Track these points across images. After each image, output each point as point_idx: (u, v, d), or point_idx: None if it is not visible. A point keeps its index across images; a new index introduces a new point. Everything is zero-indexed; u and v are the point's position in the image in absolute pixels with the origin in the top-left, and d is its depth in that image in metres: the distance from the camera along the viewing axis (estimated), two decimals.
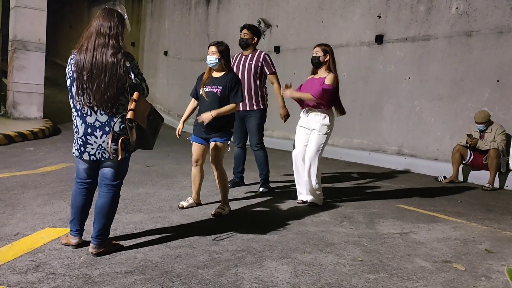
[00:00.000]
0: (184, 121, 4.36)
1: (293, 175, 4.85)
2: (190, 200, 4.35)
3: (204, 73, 4.19)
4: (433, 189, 6.09)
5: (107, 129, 2.82)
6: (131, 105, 2.77)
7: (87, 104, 2.80)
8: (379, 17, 8.39)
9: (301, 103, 4.76)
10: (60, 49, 23.08)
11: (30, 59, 11.75)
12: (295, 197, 4.82)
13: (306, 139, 4.70)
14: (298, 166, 4.76)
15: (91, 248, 2.90)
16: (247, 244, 3.29)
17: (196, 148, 4.19)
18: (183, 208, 4.25)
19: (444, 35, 7.43)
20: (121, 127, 2.82)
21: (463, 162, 6.76)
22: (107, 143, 2.81)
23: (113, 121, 2.81)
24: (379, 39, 8.33)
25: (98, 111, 2.81)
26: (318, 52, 4.63)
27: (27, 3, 11.66)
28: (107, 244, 2.96)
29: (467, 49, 7.13)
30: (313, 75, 4.77)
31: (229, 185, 4.50)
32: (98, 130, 2.82)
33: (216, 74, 4.10)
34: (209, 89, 4.05)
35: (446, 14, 7.41)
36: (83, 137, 2.84)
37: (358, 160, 8.44)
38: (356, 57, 8.84)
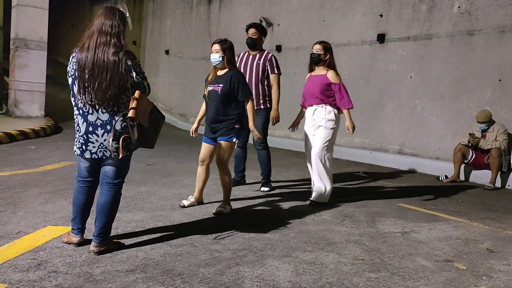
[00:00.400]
0: (200, 120, 4.35)
1: (294, 174, 4.84)
2: (192, 199, 4.35)
3: (210, 73, 4.20)
4: (434, 189, 6.08)
5: (108, 127, 2.82)
6: (133, 104, 2.77)
7: (89, 102, 2.80)
8: (381, 16, 8.38)
9: (304, 103, 4.80)
10: (61, 47, 23.10)
11: (31, 58, 11.76)
12: (309, 196, 4.81)
13: (314, 138, 4.68)
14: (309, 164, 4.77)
15: (92, 247, 2.90)
16: (248, 243, 3.29)
17: (204, 148, 4.20)
18: (184, 207, 4.25)
19: (446, 34, 7.41)
20: (122, 126, 2.83)
21: (465, 161, 6.75)
22: (109, 142, 2.81)
23: (115, 120, 2.81)
24: (381, 38, 8.32)
25: (100, 110, 2.81)
26: (319, 50, 4.63)
27: (29, 2, 11.66)
28: (109, 243, 2.96)
29: (469, 48, 7.12)
30: (310, 73, 4.78)
31: None
32: (99, 129, 2.82)
33: (220, 72, 4.11)
34: (211, 88, 4.07)
35: (448, 13, 7.39)
36: (84, 136, 2.85)
37: (359, 159, 8.44)
38: (357, 56, 8.83)
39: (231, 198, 4.30)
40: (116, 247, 3.00)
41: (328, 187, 4.60)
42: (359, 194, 5.34)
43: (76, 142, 2.92)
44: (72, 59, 2.86)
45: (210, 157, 4.21)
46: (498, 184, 6.41)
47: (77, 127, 2.89)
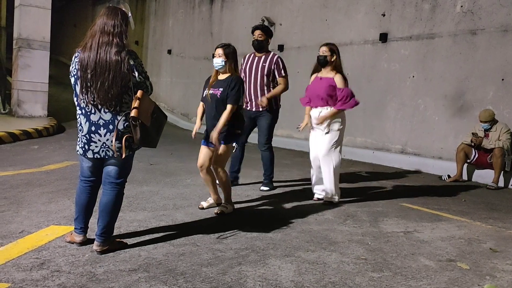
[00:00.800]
0: (200, 120, 4.28)
1: (296, 174, 4.85)
2: (211, 201, 4.30)
3: (211, 76, 4.19)
4: (437, 188, 6.08)
5: (111, 127, 2.82)
6: (135, 103, 2.77)
7: (91, 102, 2.80)
8: (384, 15, 8.36)
9: (307, 103, 4.81)
10: (64, 47, 23.14)
11: (34, 58, 11.79)
12: (311, 196, 4.87)
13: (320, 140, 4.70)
14: (315, 166, 4.78)
15: (95, 246, 2.91)
16: (250, 243, 3.29)
17: (203, 152, 4.10)
18: (203, 208, 4.20)
19: (448, 33, 7.40)
20: (125, 125, 2.83)
21: (468, 161, 6.74)
22: (111, 141, 2.81)
23: (117, 119, 2.81)
24: (383, 37, 8.31)
25: (102, 109, 2.81)
26: (325, 51, 4.63)
27: (31, 2, 11.69)
28: (111, 242, 2.97)
29: (471, 47, 7.10)
30: (316, 74, 4.76)
31: None
32: (102, 128, 2.82)
33: (221, 77, 4.08)
34: (212, 91, 4.05)
35: (451, 12, 7.37)
36: (87, 135, 2.85)
37: (362, 158, 8.43)
38: (360, 55, 8.82)
39: (232, 198, 4.29)
40: (119, 247, 3.01)
41: (337, 187, 4.65)
42: (362, 193, 5.33)
43: (78, 141, 2.93)
44: (74, 59, 2.87)
45: (209, 161, 4.13)
46: (501, 183, 6.39)
47: (80, 126, 2.89)
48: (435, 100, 7.58)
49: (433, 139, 7.61)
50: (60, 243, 3.06)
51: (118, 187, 2.97)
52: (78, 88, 2.83)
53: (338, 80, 4.57)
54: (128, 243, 3.09)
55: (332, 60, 4.63)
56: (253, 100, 5.20)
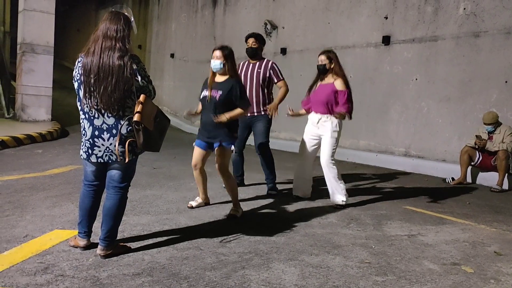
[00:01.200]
0: (196, 111, 4.35)
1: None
2: (199, 200, 4.41)
3: (208, 77, 4.19)
4: (441, 191, 6.06)
5: (114, 131, 2.83)
6: (138, 108, 2.77)
7: (95, 107, 2.81)
8: (386, 18, 8.37)
9: (309, 108, 4.92)
10: (68, 52, 23.25)
11: (38, 62, 11.83)
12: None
13: (313, 143, 4.85)
14: (301, 163, 4.96)
15: (99, 250, 2.91)
16: (254, 246, 3.29)
17: (197, 152, 4.17)
18: (192, 207, 4.31)
19: (451, 36, 7.39)
20: (128, 130, 2.84)
21: (472, 163, 6.72)
22: (115, 146, 2.82)
23: (120, 124, 2.82)
24: (386, 40, 8.31)
25: (105, 114, 2.82)
26: (324, 60, 4.77)
27: (35, 7, 11.75)
28: (115, 246, 2.97)
29: (475, 50, 7.09)
30: (320, 82, 4.88)
31: None
32: (105, 133, 2.83)
33: (219, 79, 4.08)
34: (211, 93, 4.06)
35: (454, 14, 7.37)
36: (90, 140, 2.86)
37: (365, 161, 8.42)
38: (362, 58, 8.82)
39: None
40: (123, 251, 3.01)
41: (342, 187, 4.71)
42: (365, 196, 5.32)
43: (82, 146, 2.94)
44: (78, 64, 2.88)
45: (202, 161, 4.19)
46: (505, 186, 6.37)
47: (83, 131, 2.90)
48: (438, 102, 7.57)
49: (437, 142, 7.59)
50: (64, 247, 3.07)
51: (121, 191, 2.97)
52: (81, 93, 2.84)
53: (338, 83, 4.67)
54: (132, 247, 3.09)
55: (332, 67, 4.75)
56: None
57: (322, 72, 4.80)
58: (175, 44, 15.60)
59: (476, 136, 6.55)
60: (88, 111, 2.85)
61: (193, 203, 4.36)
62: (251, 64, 5.33)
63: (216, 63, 4.00)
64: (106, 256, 2.90)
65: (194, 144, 4.21)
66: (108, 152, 2.85)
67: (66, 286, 2.46)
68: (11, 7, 17.15)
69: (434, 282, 2.79)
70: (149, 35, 17.52)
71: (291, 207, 4.61)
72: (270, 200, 4.88)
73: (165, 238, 3.37)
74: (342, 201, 4.69)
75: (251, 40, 5.29)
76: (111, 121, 2.83)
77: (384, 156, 8.28)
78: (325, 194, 4.83)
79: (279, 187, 5.40)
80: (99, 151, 2.85)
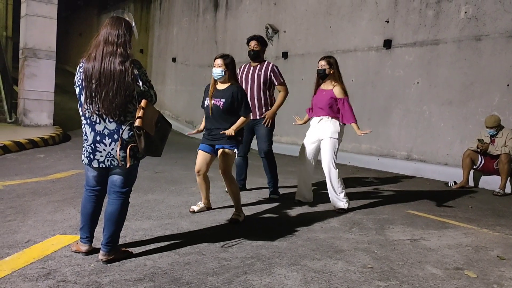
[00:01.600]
0: (202, 130, 4.38)
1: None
2: (201, 205, 4.42)
3: (210, 84, 4.23)
4: (443, 195, 6.04)
5: (115, 136, 2.83)
6: (139, 113, 2.77)
7: (96, 112, 2.81)
8: (387, 22, 8.38)
9: (310, 112, 4.95)
10: (70, 56, 23.32)
11: (40, 67, 11.88)
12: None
13: (314, 146, 4.86)
14: (302, 168, 4.95)
15: (101, 255, 2.90)
16: (256, 251, 3.28)
17: (200, 157, 4.19)
18: (194, 212, 4.31)
19: (453, 39, 7.39)
20: (129, 135, 2.84)
21: (474, 167, 6.70)
22: (116, 151, 2.82)
23: (122, 129, 2.82)
24: (388, 43, 8.31)
25: (107, 119, 2.82)
26: (324, 65, 4.81)
27: (37, 12, 11.80)
28: (117, 251, 2.97)
29: (476, 53, 7.09)
30: (319, 87, 4.92)
31: None
32: (107, 138, 2.83)
33: (220, 86, 4.16)
34: (214, 102, 4.11)
35: (455, 18, 7.37)
36: (92, 145, 2.86)
37: (367, 165, 8.41)
38: (364, 62, 8.83)
39: None
40: (124, 256, 3.00)
41: (343, 192, 4.72)
42: (367, 200, 5.31)
43: (84, 151, 2.94)
44: (79, 69, 2.88)
45: (206, 166, 4.21)
46: (508, 189, 6.35)
47: (85, 136, 2.90)
48: (440, 106, 7.56)
49: (439, 146, 7.58)
50: (66, 252, 3.06)
51: (123, 196, 2.97)
52: (83, 98, 2.85)
53: (336, 91, 4.74)
54: (134, 252, 3.09)
55: (331, 72, 4.79)
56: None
57: (322, 77, 4.84)
58: (177, 48, 15.63)
59: (478, 139, 6.54)
60: (89, 116, 2.85)
61: (195, 208, 4.37)
62: (252, 67, 5.33)
63: (218, 71, 4.07)
64: (108, 262, 2.89)
65: (198, 149, 4.22)
66: (109, 157, 2.85)
67: None
68: (13, 12, 17.23)
69: (437, 287, 2.78)
70: (151, 40, 17.57)
71: (293, 212, 4.60)
72: (272, 205, 4.87)
73: (167, 243, 3.36)
74: (344, 205, 4.68)
75: (252, 43, 5.29)
76: (112, 126, 2.83)
77: (386, 159, 8.27)
78: (327, 198, 4.82)
79: (281, 191, 5.39)
80: (101, 156, 2.86)
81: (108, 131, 2.83)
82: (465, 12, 7.25)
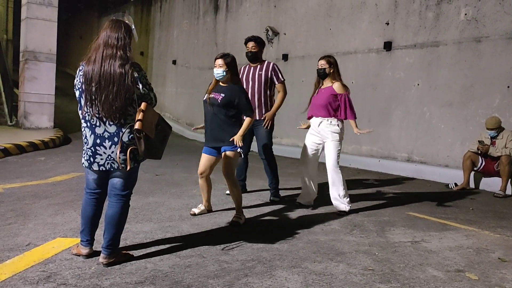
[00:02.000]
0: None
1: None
2: (202, 207, 4.41)
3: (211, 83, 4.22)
4: (444, 197, 6.03)
5: (116, 139, 2.83)
6: (139, 116, 2.77)
7: (96, 115, 2.81)
8: (387, 24, 8.38)
9: (310, 112, 4.91)
10: (70, 59, 23.35)
11: (41, 70, 11.89)
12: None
13: (315, 148, 4.85)
14: (304, 170, 4.93)
15: (101, 258, 2.90)
16: (257, 254, 3.27)
17: (204, 159, 4.19)
18: (194, 215, 4.30)
19: (453, 41, 7.39)
20: (129, 137, 2.84)
21: (475, 169, 6.70)
22: (116, 154, 2.82)
23: (122, 132, 2.82)
24: (388, 45, 8.31)
25: (107, 122, 2.82)
26: (324, 64, 4.81)
27: (37, 15, 11.82)
28: (118, 254, 2.96)
29: (476, 55, 7.09)
30: (320, 87, 4.91)
31: None
32: (107, 141, 2.83)
33: (222, 84, 4.14)
34: (212, 95, 4.09)
35: (455, 20, 7.38)
36: (92, 148, 2.86)
37: (367, 167, 8.40)
38: (364, 64, 8.83)
39: None
40: (125, 259, 3.00)
41: (346, 194, 4.71)
42: (368, 202, 5.30)
43: (84, 154, 2.94)
44: (79, 72, 2.88)
45: (210, 168, 4.22)
46: (508, 191, 6.33)
47: (85, 139, 2.90)
48: (441, 108, 7.56)
49: (439, 147, 7.58)
50: (67, 255, 3.06)
51: (123, 199, 2.97)
52: (82, 101, 2.85)
53: (336, 86, 4.74)
54: (134, 255, 3.09)
55: (331, 71, 4.80)
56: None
57: (322, 76, 4.84)
58: (177, 50, 15.65)
59: (479, 141, 6.54)
60: (89, 119, 2.85)
61: (196, 210, 4.36)
62: (252, 68, 5.32)
63: (219, 71, 4.04)
64: (108, 264, 2.89)
65: (202, 152, 4.22)
66: (110, 160, 2.85)
67: None
68: (13, 15, 17.27)
69: None
70: (151, 42, 17.59)
71: (294, 214, 4.60)
72: (273, 207, 4.86)
73: (167, 245, 3.36)
74: (345, 207, 4.68)
75: (250, 44, 5.27)
76: (112, 129, 2.83)
77: (387, 161, 8.26)
78: (328, 200, 4.82)
79: (282, 193, 5.39)
80: (101, 159, 2.85)
81: (108, 134, 2.83)
82: (465, 14, 7.25)
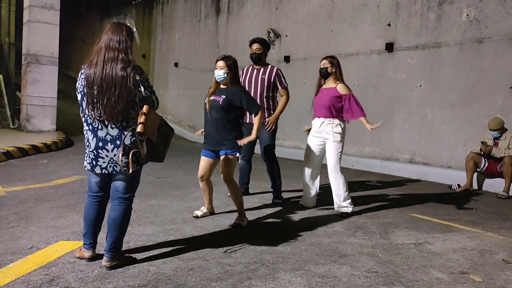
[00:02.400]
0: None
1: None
2: (204, 209, 4.41)
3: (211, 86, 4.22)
4: (447, 198, 6.01)
5: (118, 142, 2.83)
6: (141, 119, 2.76)
7: (98, 118, 2.81)
8: (389, 25, 8.38)
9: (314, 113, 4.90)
10: (72, 62, 23.40)
11: (43, 73, 11.92)
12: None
13: (318, 149, 4.82)
14: (307, 173, 4.91)
15: (104, 261, 2.90)
16: (260, 256, 3.26)
17: (204, 163, 4.18)
18: (197, 217, 4.29)
19: (455, 42, 7.38)
20: (131, 140, 2.83)
21: (478, 170, 6.68)
22: (118, 157, 2.81)
23: (124, 135, 2.82)
24: (389, 47, 8.31)
25: (109, 125, 2.82)
26: (326, 64, 4.80)
27: (39, 18, 11.85)
28: (120, 257, 2.96)
29: (478, 56, 7.08)
30: (321, 86, 4.89)
31: None
32: (109, 144, 2.83)
33: (223, 86, 4.13)
34: (213, 98, 4.08)
35: (457, 21, 7.37)
36: (94, 151, 2.86)
37: (370, 168, 8.39)
38: (366, 65, 8.82)
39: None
40: (128, 262, 2.99)
41: (347, 195, 4.70)
42: (371, 204, 5.29)
43: (86, 157, 2.93)
44: (80, 76, 2.88)
45: (209, 171, 4.21)
46: None
47: (87, 142, 2.90)
48: (443, 109, 7.55)
49: (442, 148, 7.56)
50: (70, 258, 3.06)
51: (126, 202, 2.96)
52: (84, 104, 2.85)
53: (340, 87, 4.73)
54: (137, 258, 3.08)
55: (334, 71, 4.78)
56: None
57: (324, 76, 4.82)
58: (179, 53, 15.67)
59: (482, 142, 6.52)
60: (91, 122, 2.85)
61: (198, 213, 4.35)
62: (255, 70, 5.30)
63: (220, 73, 4.03)
64: (111, 268, 2.88)
65: (201, 155, 4.22)
66: (112, 163, 2.84)
67: None
68: (16, 18, 17.31)
69: None
70: (153, 45, 17.61)
71: (296, 216, 4.58)
72: (275, 209, 4.85)
73: (170, 248, 3.35)
74: (347, 209, 4.67)
75: (255, 46, 5.24)
76: (114, 132, 2.83)
77: (389, 163, 8.25)
78: (330, 202, 4.81)
79: (284, 195, 5.38)
80: (103, 162, 2.85)
81: (110, 137, 2.83)
82: (467, 15, 7.24)
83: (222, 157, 4.03)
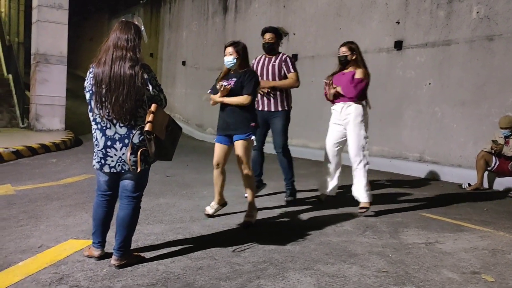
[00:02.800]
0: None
1: (313, 183, 4.81)
2: (215, 206, 4.30)
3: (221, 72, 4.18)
4: (457, 197, 5.95)
5: (126, 141, 2.82)
6: (149, 117, 2.76)
7: (106, 117, 2.81)
8: (398, 23, 8.31)
9: (333, 98, 4.77)
10: (81, 61, 23.49)
11: (52, 72, 11.98)
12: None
13: (338, 136, 4.71)
14: (326, 161, 4.85)
15: (113, 260, 2.90)
16: (268, 255, 3.25)
17: (218, 149, 4.11)
18: (209, 215, 4.23)
19: (465, 39, 7.30)
20: (140, 139, 2.83)
21: (488, 168, 6.61)
22: (127, 155, 2.81)
23: (132, 133, 2.81)
24: (398, 45, 8.24)
25: (117, 124, 2.82)
26: (345, 51, 4.67)
27: (48, 17, 11.91)
28: (129, 256, 2.96)
29: (489, 53, 7.00)
30: (340, 71, 4.76)
31: None
32: (117, 143, 2.83)
33: (233, 73, 4.09)
34: (222, 82, 4.04)
35: (467, 18, 7.29)
36: (103, 150, 2.86)
37: (379, 167, 8.32)
38: (375, 63, 8.73)
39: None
40: (137, 261, 2.99)
41: (367, 187, 4.61)
42: (380, 203, 5.24)
43: (95, 156, 2.93)
44: (89, 74, 2.88)
45: (224, 158, 4.13)
46: None
47: (96, 141, 2.90)
48: (453, 107, 7.47)
49: (452, 147, 7.49)
50: (79, 257, 3.06)
51: (134, 200, 2.96)
52: (93, 103, 2.85)
53: (359, 72, 4.59)
54: (146, 257, 3.08)
55: (353, 58, 4.65)
56: (265, 100, 5.17)
57: (344, 63, 4.68)
58: (187, 52, 15.68)
59: (492, 140, 6.45)
60: (100, 121, 2.85)
61: (210, 210, 4.26)
62: (267, 59, 5.25)
63: (229, 59, 3.98)
64: (120, 266, 2.88)
65: (214, 140, 4.17)
66: (120, 162, 2.84)
67: None
68: (24, 18, 17.42)
69: None
70: (160, 43, 17.65)
71: (305, 215, 4.56)
72: (284, 208, 4.83)
73: (179, 247, 3.35)
74: (365, 199, 4.55)
75: (268, 35, 5.19)
76: (123, 131, 2.82)
77: (398, 161, 8.18)
78: (340, 201, 4.78)
79: None
80: (112, 161, 2.85)
81: (119, 136, 2.83)
82: (477, 12, 7.16)
83: (236, 141, 3.98)
